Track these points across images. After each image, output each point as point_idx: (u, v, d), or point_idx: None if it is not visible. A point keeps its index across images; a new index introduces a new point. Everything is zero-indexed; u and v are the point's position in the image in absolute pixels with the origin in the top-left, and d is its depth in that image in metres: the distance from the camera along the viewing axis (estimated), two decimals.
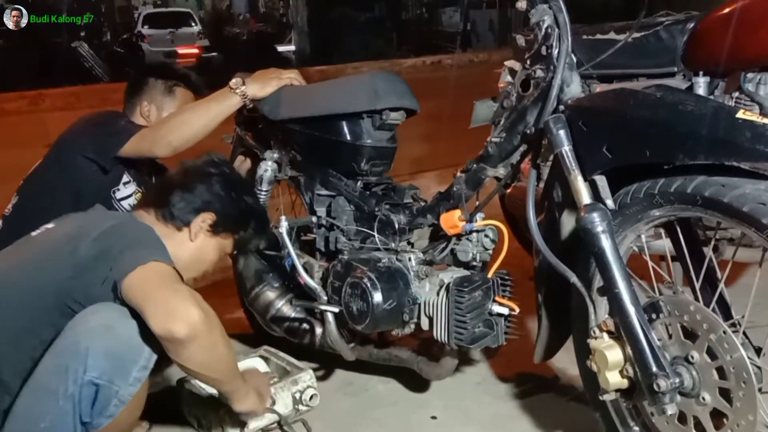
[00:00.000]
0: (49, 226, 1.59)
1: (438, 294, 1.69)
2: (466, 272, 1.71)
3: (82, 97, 9.65)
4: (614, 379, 1.36)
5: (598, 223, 1.33)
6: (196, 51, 12.12)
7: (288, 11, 17.57)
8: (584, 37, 2.00)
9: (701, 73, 1.87)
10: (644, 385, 1.31)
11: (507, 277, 1.66)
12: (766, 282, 1.35)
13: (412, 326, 1.78)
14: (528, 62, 1.54)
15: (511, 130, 1.59)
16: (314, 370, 1.96)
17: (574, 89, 1.47)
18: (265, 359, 2.01)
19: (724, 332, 1.26)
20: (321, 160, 2.04)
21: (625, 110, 1.34)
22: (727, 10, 1.82)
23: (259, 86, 2.06)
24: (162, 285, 1.37)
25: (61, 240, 1.49)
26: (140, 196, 2.03)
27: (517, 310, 1.61)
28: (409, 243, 1.85)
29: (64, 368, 1.35)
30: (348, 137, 1.94)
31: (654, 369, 1.28)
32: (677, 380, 1.29)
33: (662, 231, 1.47)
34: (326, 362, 2.15)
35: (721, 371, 1.28)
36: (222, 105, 2.04)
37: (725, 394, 1.28)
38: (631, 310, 1.31)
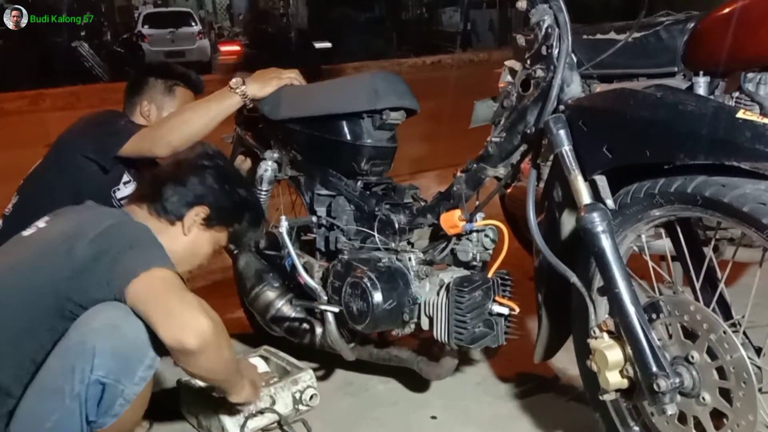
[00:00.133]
0: (41, 225, 1.57)
1: (438, 294, 1.69)
2: (466, 272, 1.71)
3: (82, 96, 9.66)
4: (614, 379, 1.36)
5: (598, 222, 1.33)
6: (237, 48, 12.14)
7: (288, 11, 17.57)
8: (584, 36, 2.00)
9: (701, 73, 1.87)
10: (644, 385, 1.31)
11: (507, 277, 1.66)
12: (766, 282, 1.35)
13: (412, 326, 1.78)
14: (528, 62, 1.54)
15: (511, 130, 1.59)
16: (314, 369, 1.96)
17: (575, 89, 1.47)
18: (265, 359, 2.01)
19: (724, 332, 1.26)
20: (321, 160, 2.04)
21: (626, 110, 1.34)
22: (727, 10, 1.82)
23: (259, 86, 2.06)
24: (170, 294, 1.38)
25: (57, 239, 1.48)
26: None
27: (517, 310, 1.61)
28: (409, 243, 1.85)
29: (71, 368, 1.35)
30: (348, 137, 1.94)
31: (654, 369, 1.28)
32: (677, 380, 1.29)
33: (662, 231, 1.47)
34: (326, 362, 2.15)
35: (721, 371, 1.28)
36: (222, 104, 2.04)
37: (725, 394, 1.28)
38: (631, 310, 1.31)
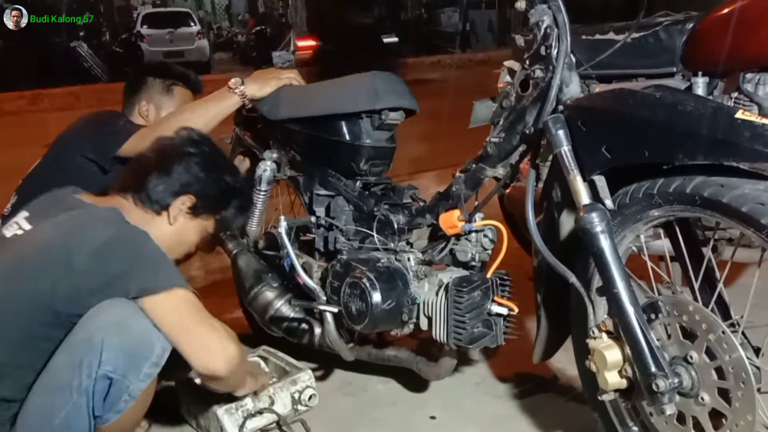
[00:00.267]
0: (24, 225, 1.51)
1: (437, 294, 1.69)
2: (465, 272, 1.71)
3: (82, 96, 9.66)
4: (613, 379, 1.36)
5: (597, 223, 1.33)
6: (313, 43, 12.19)
7: (287, 11, 17.56)
8: (583, 37, 2.00)
9: (700, 73, 1.88)
10: (643, 385, 1.31)
11: (506, 277, 1.66)
12: (764, 282, 1.35)
13: (411, 326, 1.78)
14: (527, 62, 1.54)
15: (510, 130, 1.59)
16: (313, 370, 1.96)
17: (573, 89, 1.47)
18: (264, 359, 2.01)
19: (723, 332, 1.26)
20: (320, 160, 2.04)
21: (624, 110, 1.34)
22: (726, 11, 1.82)
23: (258, 86, 2.06)
24: (197, 322, 1.43)
25: (52, 248, 1.42)
26: None
27: (516, 310, 1.61)
28: (408, 243, 1.85)
29: (78, 362, 1.35)
30: (347, 137, 1.94)
31: (653, 369, 1.28)
32: (676, 380, 1.29)
33: (661, 231, 1.47)
34: (325, 362, 2.15)
35: (719, 371, 1.28)
36: (221, 105, 2.04)
37: (724, 394, 1.28)
38: (630, 310, 1.31)
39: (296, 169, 2.11)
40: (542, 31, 1.47)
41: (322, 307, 1.81)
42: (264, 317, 2.09)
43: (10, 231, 1.52)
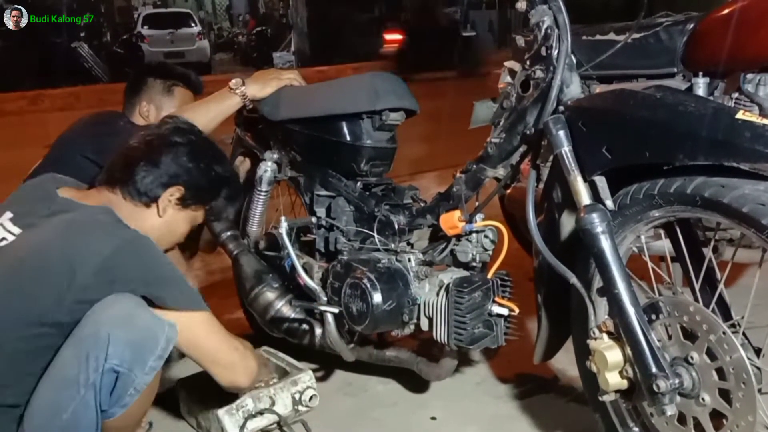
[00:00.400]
0: (14, 229, 1.47)
1: (437, 295, 1.69)
2: (466, 273, 1.71)
3: (82, 97, 9.66)
4: (614, 379, 1.36)
5: (597, 223, 1.33)
6: (400, 37, 12.29)
7: (288, 11, 17.57)
8: (584, 37, 2.00)
9: (701, 73, 1.88)
10: (644, 385, 1.31)
11: (506, 278, 1.66)
12: (765, 283, 1.35)
13: (412, 327, 1.78)
14: (528, 63, 1.54)
15: (510, 131, 1.59)
16: (314, 370, 1.96)
17: (574, 90, 1.47)
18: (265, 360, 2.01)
19: (724, 333, 1.26)
20: (321, 161, 2.04)
21: (625, 111, 1.34)
22: (726, 11, 1.83)
23: (259, 87, 2.06)
24: (218, 342, 1.53)
25: (50, 263, 1.39)
26: None
27: (517, 310, 1.61)
28: (408, 244, 1.85)
29: (85, 356, 1.34)
30: (348, 138, 1.94)
31: (654, 370, 1.28)
32: (677, 381, 1.29)
33: (662, 232, 1.47)
34: (326, 363, 2.15)
35: (720, 372, 1.28)
36: (222, 105, 2.04)
37: (725, 394, 1.28)
38: (630, 310, 1.31)
39: (297, 169, 2.11)
40: (543, 31, 1.47)
41: (322, 308, 1.81)
42: (265, 318, 2.09)
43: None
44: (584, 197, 1.37)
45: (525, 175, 1.73)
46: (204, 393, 1.82)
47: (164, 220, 1.57)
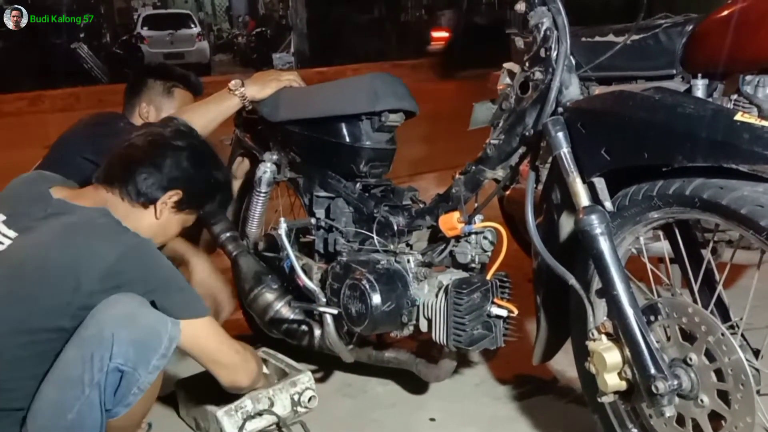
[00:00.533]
0: (5, 230, 1.46)
1: (437, 296, 1.69)
2: (465, 274, 1.71)
3: (82, 98, 9.66)
4: (613, 381, 1.36)
5: (596, 225, 1.33)
6: (446, 35, 12.38)
7: (287, 12, 17.58)
8: (583, 39, 2.00)
9: (700, 75, 1.88)
10: (643, 387, 1.31)
11: (506, 279, 1.66)
12: (764, 284, 1.35)
13: (411, 328, 1.78)
14: (527, 64, 1.54)
15: (509, 132, 1.59)
16: (313, 371, 1.96)
17: (573, 91, 1.47)
18: (264, 361, 2.01)
19: (723, 334, 1.26)
20: (320, 162, 2.04)
21: (624, 112, 1.34)
22: (725, 13, 1.83)
23: (259, 88, 2.06)
24: (220, 345, 1.57)
25: (52, 270, 1.38)
26: None
27: (516, 311, 1.61)
28: (407, 245, 1.85)
29: (89, 356, 1.35)
30: (347, 139, 1.94)
31: (652, 371, 1.28)
32: (675, 382, 1.29)
33: (661, 233, 1.47)
34: (325, 364, 2.14)
35: (719, 373, 1.28)
36: (221, 106, 2.04)
37: (723, 396, 1.28)
38: (629, 312, 1.31)
39: (296, 170, 2.11)
40: (542, 33, 1.47)
41: (321, 309, 1.81)
42: (264, 319, 2.09)
43: None
44: (583, 198, 1.37)
45: (524, 177, 1.73)
46: (203, 394, 1.82)
47: (160, 222, 1.58)
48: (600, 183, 1.40)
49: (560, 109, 1.44)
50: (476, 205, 1.70)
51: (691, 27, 1.90)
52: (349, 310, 1.77)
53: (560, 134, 1.40)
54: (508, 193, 2.37)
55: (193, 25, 17.03)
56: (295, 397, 1.83)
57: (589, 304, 1.43)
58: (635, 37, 1.88)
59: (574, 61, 1.50)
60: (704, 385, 1.30)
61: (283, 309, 2.05)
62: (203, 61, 15.93)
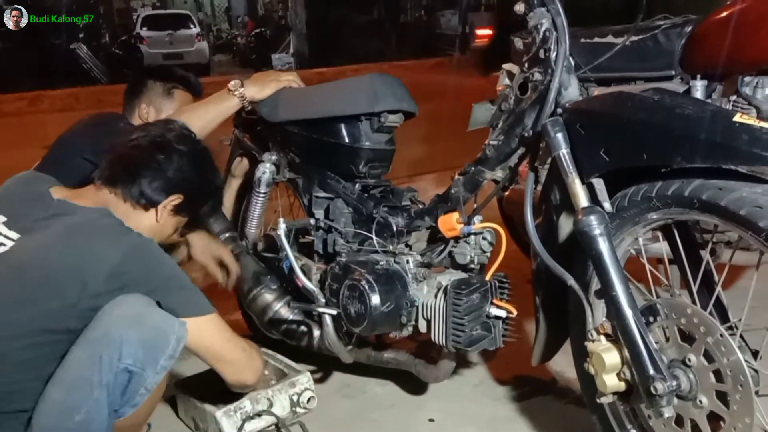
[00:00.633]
0: (5, 232, 1.45)
1: (436, 296, 1.69)
2: (464, 275, 1.71)
3: (81, 98, 9.65)
4: (611, 381, 1.36)
5: (595, 226, 1.33)
6: (490, 32, 12.46)
7: (287, 13, 17.59)
8: (582, 40, 2.00)
9: (699, 76, 1.87)
10: (641, 388, 1.31)
11: (505, 280, 1.67)
12: (763, 285, 1.35)
13: (410, 329, 1.78)
14: (526, 65, 1.54)
15: (509, 133, 1.59)
16: (312, 372, 1.97)
17: (572, 92, 1.47)
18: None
19: (721, 335, 1.26)
20: (319, 163, 2.04)
21: (623, 113, 1.34)
22: (724, 14, 1.82)
23: (258, 88, 2.06)
24: (225, 341, 1.55)
25: (57, 272, 1.38)
26: None
27: (515, 312, 1.62)
28: (407, 245, 1.85)
29: (98, 357, 1.35)
30: (346, 139, 1.94)
31: (651, 372, 1.28)
32: (674, 383, 1.29)
33: (659, 234, 1.47)
34: (324, 364, 2.15)
35: (718, 374, 1.28)
36: (221, 107, 2.04)
37: (722, 397, 1.28)
38: (628, 313, 1.31)
39: (295, 171, 2.12)
40: (541, 34, 1.47)
41: (320, 310, 1.81)
42: (263, 319, 2.09)
43: None
44: (582, 199, 1.37)
45: (523, 177, 1.73)
46: (202, 395, 1.82)
47: (158, 224, 1.59)
48: (599, 184, 1.40)
49: (559, 110, 1.44)
50: (475, 205, 1.70)
51: (690, 28, 1.90)
52: (348, 311, 1.77)
53: (559, 135, 1.40)
54: (507, 193, 2.37)
55: (192, 26, 17.01)
56: (294, 398, 1.84)
57: (588, 305, 1.43)
58: (634, 38, 1.88)
59: (573, 62, 1.50)
60: (703, 386, 1.31)
61: (282, 309, 2.05)
62: (202, 62, 15.91)
